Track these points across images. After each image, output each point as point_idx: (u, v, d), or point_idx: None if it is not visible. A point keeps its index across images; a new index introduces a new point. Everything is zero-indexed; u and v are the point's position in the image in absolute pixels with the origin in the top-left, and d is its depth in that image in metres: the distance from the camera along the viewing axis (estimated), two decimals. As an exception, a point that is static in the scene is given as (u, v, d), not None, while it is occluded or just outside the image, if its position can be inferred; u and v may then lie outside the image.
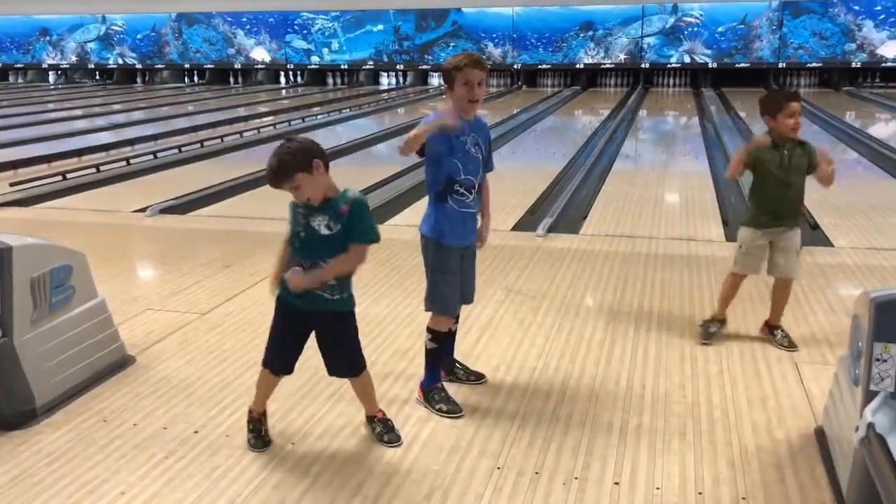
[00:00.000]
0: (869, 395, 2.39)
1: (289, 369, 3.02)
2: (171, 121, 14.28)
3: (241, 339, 4.10)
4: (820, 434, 2.99)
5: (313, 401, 3.36)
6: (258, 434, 3.03)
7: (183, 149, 10.82)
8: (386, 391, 3.45)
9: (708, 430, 3.10)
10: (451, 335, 3.47)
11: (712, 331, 4.00)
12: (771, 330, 3.99)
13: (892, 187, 8.05)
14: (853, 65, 19.47)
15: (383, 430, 3.06)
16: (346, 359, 3.00)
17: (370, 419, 3.11)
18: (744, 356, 3.80)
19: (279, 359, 3.00)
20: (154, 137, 11.73)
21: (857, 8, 19.07)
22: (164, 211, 7.14)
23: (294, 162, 2.74)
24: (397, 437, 3.05)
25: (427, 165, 3.22)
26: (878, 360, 2.37)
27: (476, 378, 3.56)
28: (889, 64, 19.27)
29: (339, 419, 3.21)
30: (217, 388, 3.51)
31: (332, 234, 2.81)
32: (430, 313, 3.33)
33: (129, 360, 3.79)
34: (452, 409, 3.25)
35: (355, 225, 2.82)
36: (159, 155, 10.26)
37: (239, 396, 3.41)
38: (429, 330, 3.33)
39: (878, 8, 18.94)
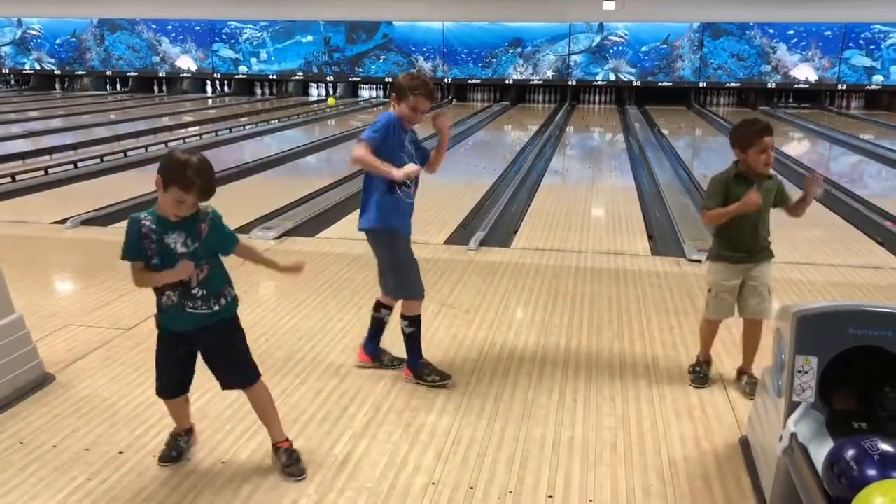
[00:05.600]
0: (791, 406, 2.47)
1: (183, 391, 2.94)
2: (92, 129, 13.83)
3: (168, 355, 3.97)
4: (744, 444, 3.08)
5: (243, 419, 3.28)
6: (172, 447, 2.99)
7: (105, 158, 10.49)
8: (318, 409, 3.41)
9: (638, 442, 3.16)
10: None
11: (703, 374, 3.69)
12: (739, 375, 3.73)
13: (807, 204, 8.39)
14: (769, 85, 20.31)
15: (288, 461, 2.89)
16: (234, 368, 2.88)
17: (275, 447, 2.95)
18: (671, 368, 3.89)
19: (167, 383, 2.91)
20: (74, 146, 11.33)
21: (771, 31, 19.92)
22: (86, 222, 6.90)
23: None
24: (301, 470, 2.88)
25: None
26: (799, 371, 2.46)
27: (399, 363, 3.80)
28: (801, 85, 20.17)
29: (269, 438, 3.14)
30: (143, 407, 3.40)
31: (187, 252, 2.69)
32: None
33: (49, 378, 3.64)
34: (443, 377, 3.64)
35: (221, 234, 2.78)
36: (80, 164, 9.92)
37: (165, 415, 3.28)
38: (404, 317, 3.68)
39: (791, 32, 19.83)
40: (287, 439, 2.98)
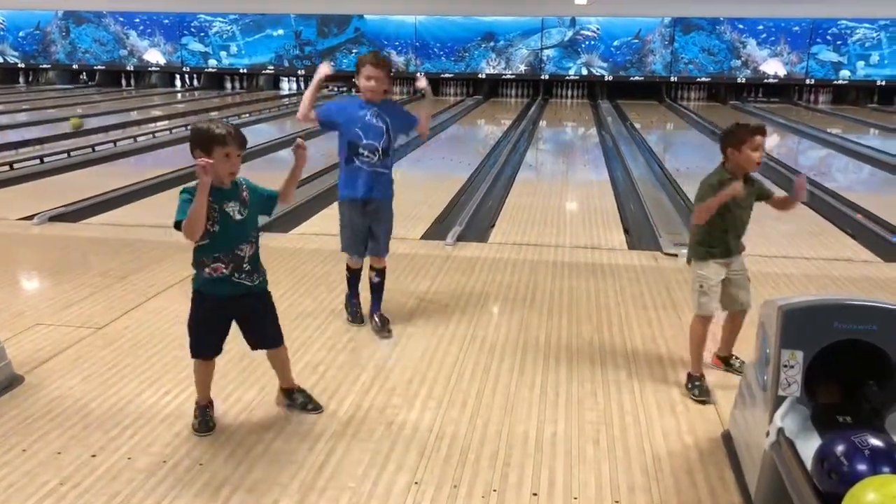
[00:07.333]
0: (777, 401, 2.46)
1: (219, 351, 3.12)
2: (58, 123, 13.54)
3: (141, 354, 3.89)
4: (727, 438, 3.08)
5: (220, 420, 3.21)
6: (203, 419, 3.12)
7: (72, 153, 10.28)
8: (298, 406, 3.35)
9: (621, 437, 3.14)
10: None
11: (705, 387, 3.52)
12: (726, 362, 3.78)
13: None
14: (738, 80, 20.48)
15: (305, 399, 3.28)
16: (272, 329, 3.17)
17: (289, 392, 3.28)
18: (651, 362, 3.89)
19: (207, 344, 3.08)
20: (41, 141, 11.09)
21: (741, 27, 20.09)
22: (54, 219, 6.74)
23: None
24: (319, 405, 3.29)
25: (338, 138, 4.04)
26: (785, 366, 2.45)
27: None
28: (770, 80, 20.38)
29: (249, 436, 3.08)
30: (116, 408, 3.31)
31: (243, 219, 2.98)
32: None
33: (18, 379, 3.53)
34: (349, 317, 4.27)
35: (258, 191, 3.12)
36: (46, 160, 9.71)
37: (140, 416, 3.24)
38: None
39: (760, 27, 20.01)
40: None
